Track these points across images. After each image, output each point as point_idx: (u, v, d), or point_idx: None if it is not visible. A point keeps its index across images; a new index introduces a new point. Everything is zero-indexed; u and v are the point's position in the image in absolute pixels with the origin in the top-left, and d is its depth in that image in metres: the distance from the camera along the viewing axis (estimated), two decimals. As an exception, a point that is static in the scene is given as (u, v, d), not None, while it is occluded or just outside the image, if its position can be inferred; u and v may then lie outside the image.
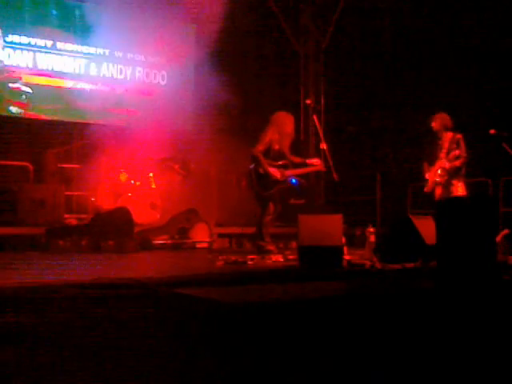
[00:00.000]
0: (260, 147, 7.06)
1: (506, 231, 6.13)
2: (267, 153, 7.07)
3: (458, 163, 7.02)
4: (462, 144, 7.05)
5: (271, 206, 7.10)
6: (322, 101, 11.83)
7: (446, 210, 4.65)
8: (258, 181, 7.05)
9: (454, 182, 7.10)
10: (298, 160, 7.26)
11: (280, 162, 7.10)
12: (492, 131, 7.00)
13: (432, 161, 7.32)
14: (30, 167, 9.11)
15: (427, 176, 7.31)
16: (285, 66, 11.78)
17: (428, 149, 7.44)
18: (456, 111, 7.55)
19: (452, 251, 4.34)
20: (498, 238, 5.66)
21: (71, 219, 8.92)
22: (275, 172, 7.04)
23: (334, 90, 11.56)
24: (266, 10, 11.28)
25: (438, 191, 7.22)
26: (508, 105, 8.98)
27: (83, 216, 9.10)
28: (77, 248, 7.68)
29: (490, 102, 9.07)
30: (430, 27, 9.93)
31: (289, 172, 7.13)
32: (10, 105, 9.80)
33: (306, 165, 7.28)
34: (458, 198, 6.52)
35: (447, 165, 7.07)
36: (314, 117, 7.83)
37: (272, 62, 11.39)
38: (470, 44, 9.32)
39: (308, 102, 8.76)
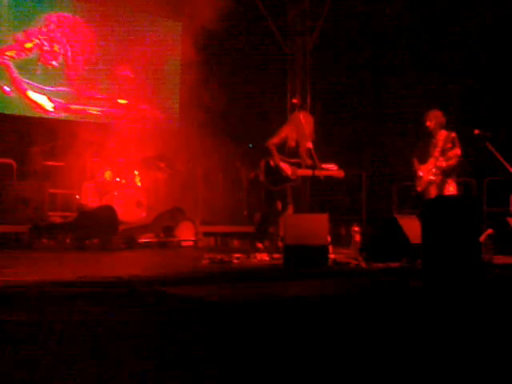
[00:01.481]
0: (274, 140, 6.90)
1: (489, 231, 6.17)
2: (282, 148, 6.90)
3: (453, 162, 7.01)
4: (457, 143, 7.04)
5: (278, 205, 6.93)
6: (309, 100, 11.85)
7: (430, 209, 4.67)
8: (267, 174, 6.89)
9: (449, 180, 7.10)
10: (311, 162, 6.87)
11: (293, 160, 6.89)
12: (476, 131, 7.01)
13: (423, 157, 7.25)
14: (14, 164, 9.04)
15: (420, 174, 7.23)
16: (271, 65, 11.78)
17: (420, 146, 7.35)
18: (441, 111, 7.56)
19: (437, 251, 4.37)
20: (482, 238, 5.70)
21: (55, 217, 8.88)
22: (287, 168, 6.85)
23: (320, 89, 11.59)
24: (253, 9, 11.27)
25: (433, 190, 7.13)
26: (492, 105, 9.06)
27: (68, 214, 9.05)
28: (61, 246, 7.63)
29: (475, 102, 9.14)
30: (417, 27, 10.00)
31: (301, 171, 6.91)
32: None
33: (320, 168, 6.79)
34: (443, 198, 6.53)
35: (444, 164, 7.03)
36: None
37: (259, 61, 11.38)
38: (457, 45, 9.40)
39: (294, 101, 8.73)
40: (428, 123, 7.20)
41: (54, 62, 10.11)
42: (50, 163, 9.49)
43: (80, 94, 10.44)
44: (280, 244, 6.44)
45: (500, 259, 5.81)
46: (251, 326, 2.85)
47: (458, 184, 7.46)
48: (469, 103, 9.14)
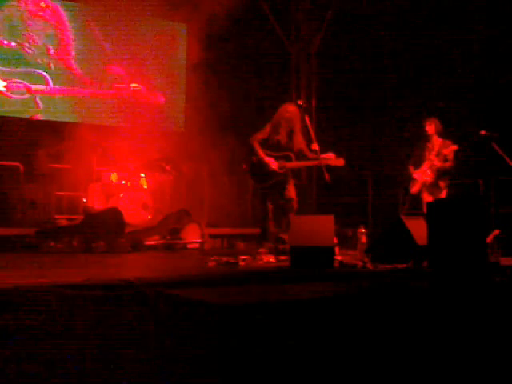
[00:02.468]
0: (258, 136, 6.75)
1: (496, 232, 6.16)
2: (266, 143, 6.72)
3: (447, 165, 7.31)
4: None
5: (269, 203, 6.76)
6: (314, 101, 11.84)
7: (437, 211, 4.66)
8: (252, 172, 6.75)
9: (441, 183, 7.39)
10: (311, 156, 6.69)
11: (280, 153, 6.70)
12: (483, 132, 7.10)
13: (420, 161, 7.56)
14: (21, 167, 9.06)
15: (415, 176, 7.54)
16: (276, 66, 11.78)
17: (417, 151, 7.67)
18: (447, 113, 7.68)
19: (443, 252, 4.36)
20: (489, 239, 5.69)
21: (62, 220, 8.89)
22: (271, 162, 6.66)
23: (325, 90, 11.58)
24: (257, 10, 11.28)
25: (425, 192, 7.46)
26: (498, 105, 9.04)
27: (74, 216, 9.07)
28: (68, 249, 7.64)
29: (481, 102, 9.13)
30: (419, 30, 9.98)
31: (290, 164, 6.72)
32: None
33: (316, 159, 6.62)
34: (449, 199, 6.63)
35: (439, 164, 7.32)
36: (306, 117, 7.77)
37: (264, 63, 11.39)
38: (458, 45, 9.38)
39: (299, 102, 8.72)
40: (427, 128, 7.56)
41: (12, 43, 9.92)
42: (56, 166, 9.52)
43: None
44: (281, 247, 6.38)
45: (507, 260, 5.78)
46: (258, 329, 2.85)
47: (464, 185, 7.68)
48: (474, 104, 9.12)
